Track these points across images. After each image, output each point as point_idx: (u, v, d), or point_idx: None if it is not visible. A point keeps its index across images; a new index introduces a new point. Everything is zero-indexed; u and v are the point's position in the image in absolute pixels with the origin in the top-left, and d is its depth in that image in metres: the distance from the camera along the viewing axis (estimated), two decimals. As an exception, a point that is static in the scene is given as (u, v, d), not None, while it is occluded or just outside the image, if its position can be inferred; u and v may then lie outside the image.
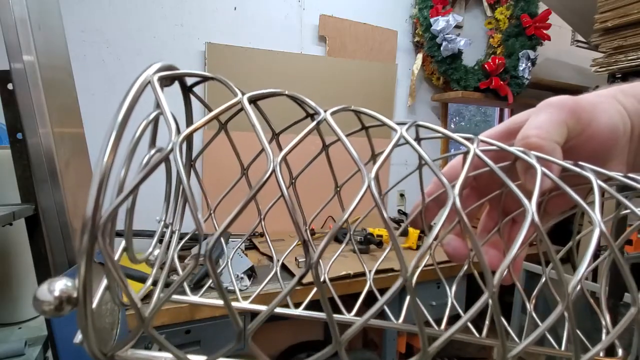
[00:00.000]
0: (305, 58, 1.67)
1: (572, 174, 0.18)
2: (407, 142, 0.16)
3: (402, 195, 1.99)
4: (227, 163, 1.48)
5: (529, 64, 1.87)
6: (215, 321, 1.04)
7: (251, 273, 1.14)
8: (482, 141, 0.19)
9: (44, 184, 0.60)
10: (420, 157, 0.16)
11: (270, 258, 1.31)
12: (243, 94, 0.17)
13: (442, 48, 1.76)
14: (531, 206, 0.14)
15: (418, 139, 0.22)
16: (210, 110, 0.16)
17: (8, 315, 0.78)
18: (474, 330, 0.26)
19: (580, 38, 1.78)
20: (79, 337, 0.13)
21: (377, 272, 1.19)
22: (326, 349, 0.14)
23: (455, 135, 0.18)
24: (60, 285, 0.12)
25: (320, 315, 0.25)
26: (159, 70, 0.15)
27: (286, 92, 0.19)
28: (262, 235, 1.55)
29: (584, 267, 0.14)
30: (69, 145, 0.67)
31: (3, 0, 0.54)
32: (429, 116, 2.02)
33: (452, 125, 2.10)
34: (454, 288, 0.30)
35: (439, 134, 0.19)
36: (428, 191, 0.26)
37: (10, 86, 0.57)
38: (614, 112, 0.23)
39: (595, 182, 0.17)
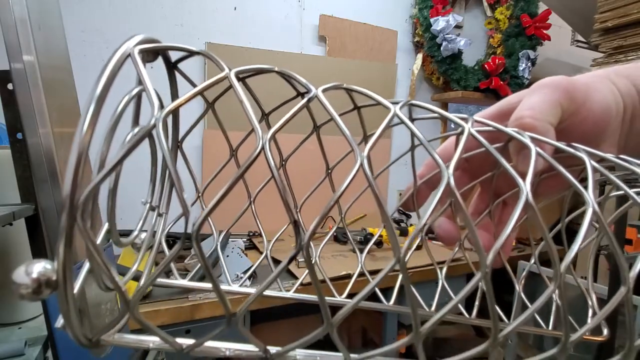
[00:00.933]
0: (305, 58, 1.67)
1: (564, 155, 0.18)
2: (401, 121, 0.16)
3: (401, 194, 1.99)
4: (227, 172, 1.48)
5: (529, 64, 1.87)
6: (215, 321, 1.04)
7: (251, 273, 1.14)
8: (477, 121, 0.19)
9: (44, 184, 0.60)
10: (414, 137, 0.16)
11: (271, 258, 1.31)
12: (231, 70, 0.16)
13: (442, 48, 1.76)
14: (525, 186, 0.13)
15: (411, 119, 0.22)
16: (194, 86, 0.15)
17: (8, 315, 0.78)
18: (465, 313, 0.26)
19: (580, 38, 1.78)
20: (60, 322, 0.12)
21: (375, 271, 1.19)
22: (317, 330, 0.14)
23: (449, 115, 0.18)
24: (39, 267, 0.11)
25: (312, 298, 0.25)
26: (141, 42, 0.14)
27: (276, 69, 0.18)
28: (261, 235, 1.55)
29: (577, 246, 0.13)
30: (69, 145, 0.67)
31: (3, 0, 0.54)
32: (429, 116, 2.02)
33: (452, 125, 2.10)
34: (444, 269, 0.30)
35: (434, 114, 0.19)
36: (419, 174, 0.26)
37: (10, 86, 0.57)
38: (607, 92, 0.23)
39: (589, 162, 0.16)
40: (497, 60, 1.82)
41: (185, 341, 0.15)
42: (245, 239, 1.44)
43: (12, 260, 0.77)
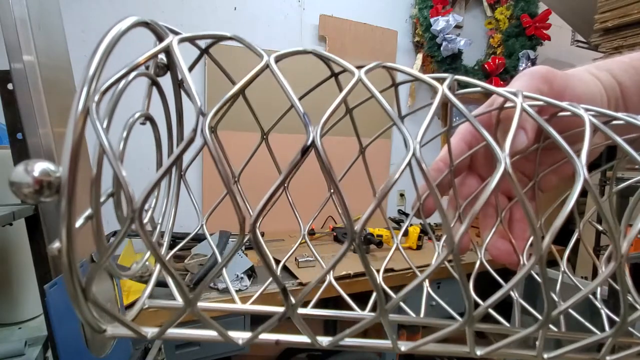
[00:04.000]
0: (305, 58, 1.67)
1: (566, 135, 0.18)
2: (449, 100, 0.16)
3: (402, 195, 1.99)
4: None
5: (529, 64, 1.87)
6: (215, 321, 1.04)
7: (251, 273, 1.14)
8: (527, 96, 0.18)
9: (44, 184, 0.60)
10: (459, 111, 0.15)
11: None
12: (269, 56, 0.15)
13: (442, 48, 1.76)
14: (504, 153, 0.13)
15: (454, 92, 0.21)
16: (225, 73, 0.14)
17: (8, 315, 0.78)
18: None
19: (580, 38, 1.78)
20: (56, 244, 0.11)
21: (377, 272, 1.19)
22: (369, 318, 0.14)
23: (496, 89, 0.17)
24: (41, 166, 0.10)
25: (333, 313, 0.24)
26: (136, 23, 0.14)
27: (311, 50, 0.17)
28: (262, 235, 1.55)
29: (564, 215, 0.13)
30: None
31: (3, 0, 0.54)
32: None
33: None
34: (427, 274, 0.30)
35: (479, 88, 0.18)
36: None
37: (10, 86, 0.57)
38: (590, 82, 0.23)
39: (587, 118, 0.15)
40: (497, 60, 1.82)
41: (240, 335, 0.15)
42: (245, 239, 1.44)
43: (12, 260, 0.77)
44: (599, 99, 0.23)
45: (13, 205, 0.58)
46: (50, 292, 0.53)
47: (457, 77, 0.18)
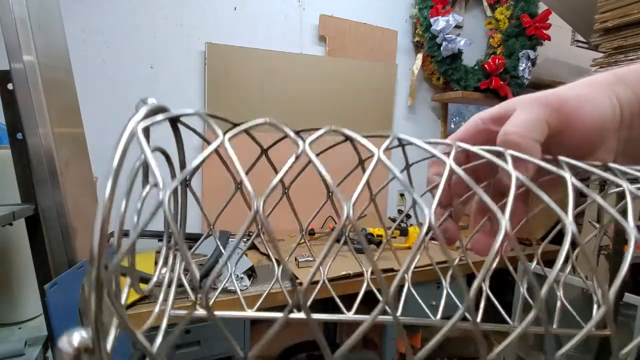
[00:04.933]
0: (305, 58, 1.67)
1: (553, 173, 0.18)
2: (455, 172, 0.16)
3: (402, 195, 1.99)
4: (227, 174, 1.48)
5: (529, 64, 1.87)
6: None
7: (251, 273, 1.14)
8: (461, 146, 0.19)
9: (44, 184, 0.60)
10: (464, 180, 0.16)
11: (270, 258, 1.31)
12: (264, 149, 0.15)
13: (442, 48, 1.76)
14: (504, 219, 0.14)
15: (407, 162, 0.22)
16: (206, 141, 0.15)
17: (8, 315, 0.78)
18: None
19: (580, 38, 1.78)
20: None
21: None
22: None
23: (499, 162, 0.18)
24: (77, 337, 0.13)
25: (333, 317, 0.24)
26: (145, 116, 0.15)
27: (335, 129, 0.18)
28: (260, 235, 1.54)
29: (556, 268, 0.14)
30: (69, 145, 0.67)
31: (3, 0, 0.54)
32: (429, 116, 2.02)
33: (452, 126, 2.10)
34: (448, 275, 0.30)
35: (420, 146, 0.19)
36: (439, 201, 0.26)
37: (10, 86, 0.57)
38: (601, 102, 0.23)
39: (570, 180, 0.17)
40: (497, 60, 1.82)
41: None
42: (245, 239, 1.44)
43: (12, 260, 0.77)
44: (610, 116, 0.23)
45: (13, 205, 0.58)
46: (50, 292, 0.53)
47: (460, 145, 0.19)
